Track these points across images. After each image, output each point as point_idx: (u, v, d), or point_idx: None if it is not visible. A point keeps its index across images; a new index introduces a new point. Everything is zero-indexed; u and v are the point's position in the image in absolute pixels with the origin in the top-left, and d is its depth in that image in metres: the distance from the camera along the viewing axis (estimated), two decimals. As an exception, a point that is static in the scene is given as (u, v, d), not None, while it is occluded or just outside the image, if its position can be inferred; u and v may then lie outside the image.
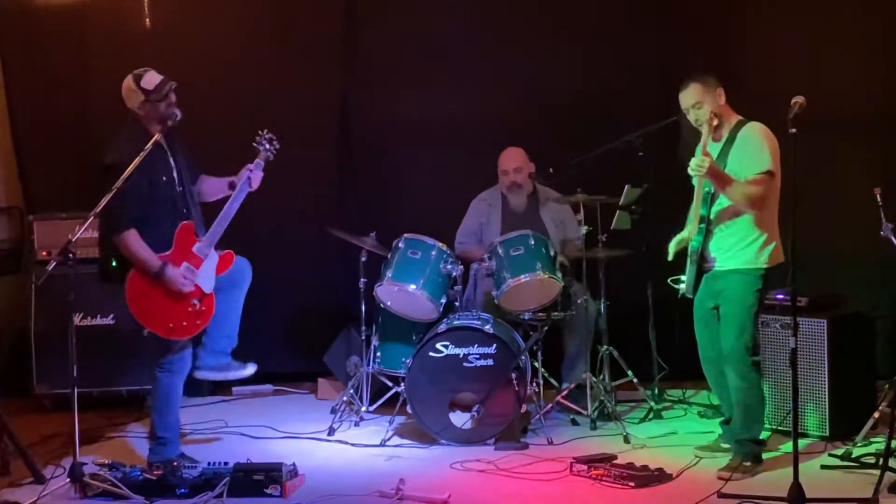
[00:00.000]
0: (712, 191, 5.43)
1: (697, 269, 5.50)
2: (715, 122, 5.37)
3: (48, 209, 7.32)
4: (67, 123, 7.76)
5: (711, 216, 5.45)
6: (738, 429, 5.48)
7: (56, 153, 7.78)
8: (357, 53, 7.76)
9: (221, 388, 7.36)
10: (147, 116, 5.54)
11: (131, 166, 5.21)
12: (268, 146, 5.79)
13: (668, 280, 5.66)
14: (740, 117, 5.48)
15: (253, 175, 5.68)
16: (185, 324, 5.51)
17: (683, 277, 5.55)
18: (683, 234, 5.56)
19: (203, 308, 5.55)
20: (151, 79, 5.54)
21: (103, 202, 5.17)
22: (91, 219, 5.27)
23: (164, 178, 5.52)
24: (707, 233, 5.46)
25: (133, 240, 5.39)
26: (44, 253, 7.06)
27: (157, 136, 5.36)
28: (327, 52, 7.75)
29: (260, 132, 5.80)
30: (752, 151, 5.31)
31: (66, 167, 7.70)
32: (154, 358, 5.62)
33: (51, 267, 5.15)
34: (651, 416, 6.57)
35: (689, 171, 5.34)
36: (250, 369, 6.05)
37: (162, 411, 5.65)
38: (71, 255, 5.15)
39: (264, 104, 7.53)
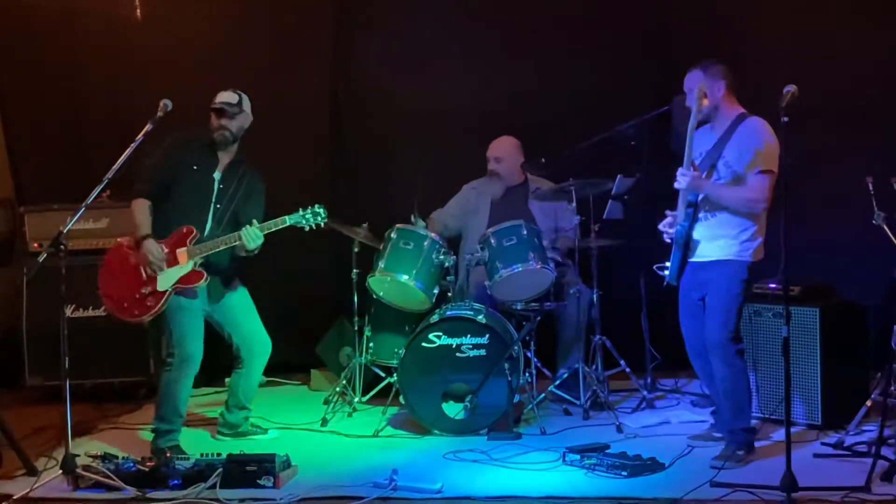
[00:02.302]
0: (702, 176, 5.43)
1: (682, 256, 5.50)
2: (704, 104, 5.35)
3: (40, 201, 7.31)
4: (58, 115, 7.76)
5: (699, 203, 5.44)
6: (727, 418, 5.49)
7: (47, 145, 7.78)
8: (349, 43, 7.75)
9: (214, 381, 7.35)
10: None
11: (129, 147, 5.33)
12: (309, 217, 5.75)
13: (654, 267, 5.66)
14: (743, 110, 5.45)
15: (247, 236, 5.65)
16: (125, 305, 5.70)
17: (668, 264, 5.55)
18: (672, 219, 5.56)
19: (149, 303, 5.65)
20: (221, 96, 5.85)
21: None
22: (83, 210, 5.29)
23: (196, 168, 5.78)
24: (693, 219, 5.46)
25: (141, 206, 5.74)
26: (35, 245, 7.06)
27: (147, 127, 5.37)
28: (319, 42, 7.75)
29: (316, 205, 5.79)
30: (750, 148, 5.29)
31: (58, 159, 7.71)
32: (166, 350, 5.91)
33: (42, 258, 5.15)
34: (644, 405, 6.58)
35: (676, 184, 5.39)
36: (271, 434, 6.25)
37: (159, 403, 5.81)
38: (62, 246, 5.15)
39: (256, 95, 7.46)
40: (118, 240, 5.89)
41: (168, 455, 5.34)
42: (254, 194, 5.91)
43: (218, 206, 5.80)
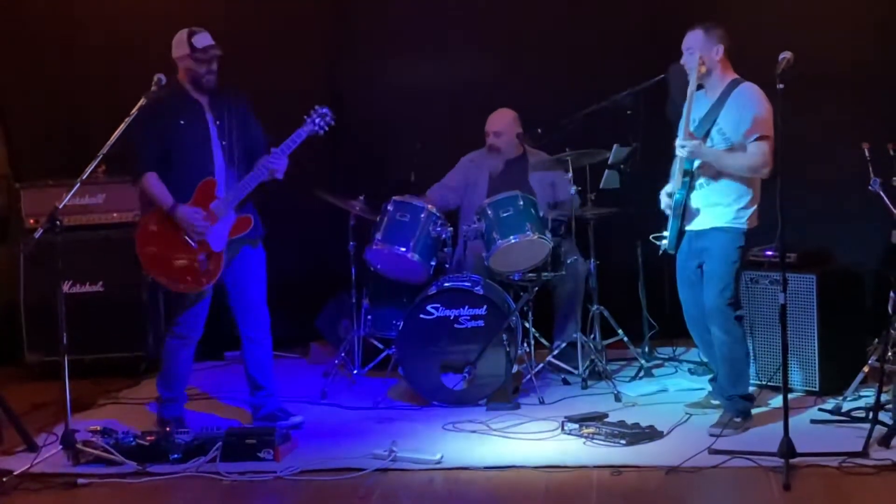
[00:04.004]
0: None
1: (679, 225, 5.49)
2: (701, 71, 5.34)
3: (35, 177, 7.30)
4: (53, 90, 7.73)
5: (695, 171, 5.43)
6: (725, 385, 5.50)
7: (42, 121, 7.76)
8: (348, 18, 7.71)
9: (213, 354, 7.36)
10: (185, 72, 5.57)
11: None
12: (318, 120, 5.62)
13: (651, 237, 5.66)
14: (736, 76, 5.44)
15: (274, 164, 5.54)
16: (189, 278, 5.53)
17: (666, 233, 5.55)
18: (670, 188, 5.55)
19: (210, 267, 5.53)
20: (203, 39, 5.56)
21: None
22: (78, 186, 5.27)
23: (183, 123, 5.53)
24: (690, 188, 5.45)
25: (151, 181, 5.53)
26: (32, 221, 7.04)
27: (141, 101, 5.34)
28: (316, 17, 7.71)
29: (317, 107, 5.65)
30: (746, 115, 5.28)
31: (53, 135, 7.69)
32: (167, 318, 5.73)
33: (38, 235, 5.14)
34: (642, 374, 6.59)
35: (677, 151, 5.38)
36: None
37: (162, 371, 5.80)
38: (58, 222, 5.14)
39: (253, 70, 7.49)
40: (142, 221, 5.67)
41: (168, 429, 5.36)
42: (247, 114, 5.73)
43: (224, 142, 5.61)
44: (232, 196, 5.57)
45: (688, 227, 5.50)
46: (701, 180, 5.43)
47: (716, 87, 5.43)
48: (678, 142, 5.37)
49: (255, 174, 5.58)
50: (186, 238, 5.52)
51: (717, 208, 5.40)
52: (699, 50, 5.35)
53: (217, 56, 5.57)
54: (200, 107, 5.61)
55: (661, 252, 5.61)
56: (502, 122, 6.98)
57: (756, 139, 5.26)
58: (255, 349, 5.84)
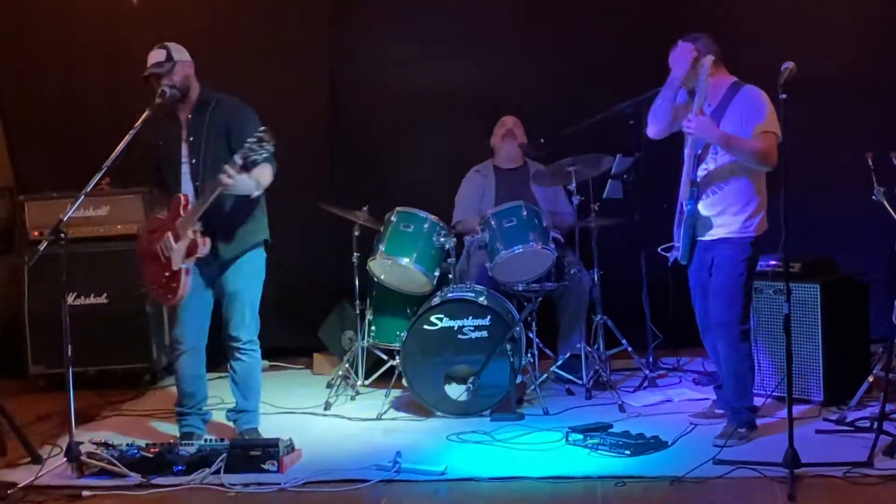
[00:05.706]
0: (699, 153, 5.40)
1: (691, 235, 5.47)
2: (678, 84, 5.33)
3: (39, 189, 7.31)
4: (56, 102, 7.78)
5: (699, 181, 5.40)
6: (730, 397, 5.49)
7: (46, 133, 7.78)
8: (347, 24, 7.73)
9: (220, 365, 7.34)
10: None
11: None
12: (255, 147, 5.20)
13: (659, 249, 5.64)
14: (735, 79, 5.40)
15: (226, 181, 5.21)
16: (160, 291, 5.49)
17: (677, 244, 5.52)
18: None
19: (173, 285, 5.42)
20: (152, 56, 5.47)
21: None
22: (82, 198, 5.27)
23: (161, 143, 5.53)
24: (698, 198, 5.42)
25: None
26: (36, 233, 7.05)
27: (146, 113, 5.33)
28: (316, 23, 7.73)
29: (257, 132, 5.23)
30: (753, 112, 5.23)
31: (57, 147, 7.71)
32: None
33: (42, 247, 5.14)
34: (646, 384, 6.59)
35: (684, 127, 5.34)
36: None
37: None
38: (63, 234, 5.14)
39: (252, 78, 7.50)
40: (140, 228, 5.80)
41: (172, 441, 5.35)
42: (237, 123, 5.45)
43: (193, 161, 5.47)
44: (191, 214, 5.39)
45: (699, 237, 5.47)
46: (707, 189, 5.40)
47: (716, 94, 5.38)
48: (687, 118, 5.30)
49: (210, 188, 5.33)
50: (159, 251, 5.46)
51: (723, 217, 5.35)
52: (681, 62, 5.33)
53: (154, 74, 5.40)
54: (178, 124, 5.54)
55: (670, 263, 5.59)
56: (517, 121, 7.08)
57: (762, 133, 5.21)
58: (234, 363, 5.73)
